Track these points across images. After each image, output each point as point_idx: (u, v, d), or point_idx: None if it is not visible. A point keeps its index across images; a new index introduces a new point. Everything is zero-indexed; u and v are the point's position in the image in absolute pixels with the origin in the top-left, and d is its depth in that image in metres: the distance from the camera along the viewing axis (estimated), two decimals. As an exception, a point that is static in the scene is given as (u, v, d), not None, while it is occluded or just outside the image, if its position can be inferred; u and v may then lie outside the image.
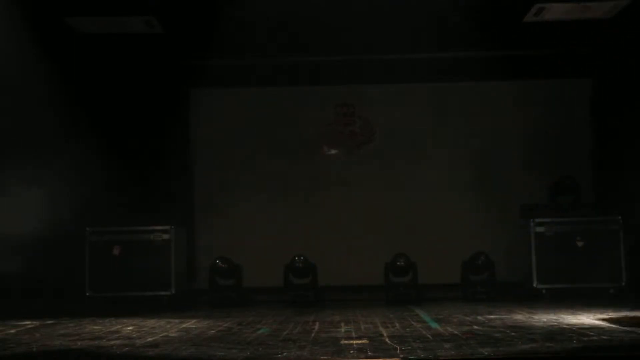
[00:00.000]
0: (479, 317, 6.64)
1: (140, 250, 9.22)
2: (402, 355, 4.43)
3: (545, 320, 6.32)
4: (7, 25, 7.78)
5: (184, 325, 6.44)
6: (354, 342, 5.11)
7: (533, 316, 6.65)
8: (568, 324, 5.96)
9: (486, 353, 4.46)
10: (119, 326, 6.41)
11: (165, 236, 9.27)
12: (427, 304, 8.23)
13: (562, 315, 6.63)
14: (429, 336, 5.33)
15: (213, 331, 5.99)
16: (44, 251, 8.58)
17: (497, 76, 10.29)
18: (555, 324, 6.03)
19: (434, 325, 6.10)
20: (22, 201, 8.06)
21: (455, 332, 5.54)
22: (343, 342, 5.12)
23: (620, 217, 9.04)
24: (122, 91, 10.06)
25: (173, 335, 5.75)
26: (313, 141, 10.59)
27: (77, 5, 8.32)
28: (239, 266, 9.40)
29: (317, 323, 6.45)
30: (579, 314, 6.70)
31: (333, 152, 10.67)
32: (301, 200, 10.41)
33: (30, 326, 6.46)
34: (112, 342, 5.31)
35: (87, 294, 9.08)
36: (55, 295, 8.60)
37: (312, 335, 5.58)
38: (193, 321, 6.80)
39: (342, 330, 5.89)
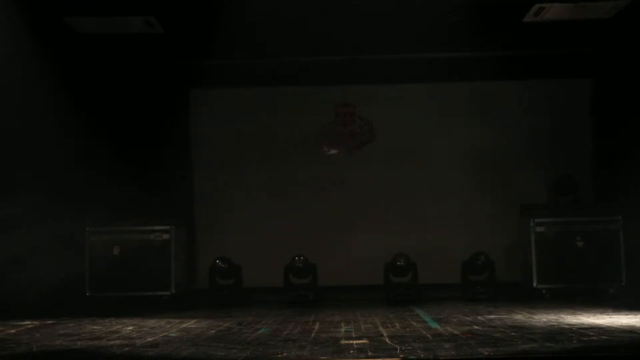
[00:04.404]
0: (479, 317, 6.64)
1: (140, 250, 9.22)
2: (402, 355, 4.43)
3: (545, 320, 6.32)
4: (7, 25, 7.77)
5: (184, 325, 6.44)
6: (354, 342, 5.11)
7: (533, 316, 6.65)
8: (568, 324, 5.96)
9: (486, 353, 4.46)
10: (119, 326, 6.41)
11: (165, 236, 9.27)
12: (427, 304, 8.23)
13: (562, 315, 6.63)
14: (429, 336, 5.33)
15: (213, 331, 5.99)
16: (44, 251, 8.58)
17: (497, 76, 10.29)
18: (555, 324, 6.03)
19: (434, 325, 6.10)
20: (21, 201, 8.05)
21: (455, 332, 5.54)
22: (343, 342, 5.12)
23: (620, 217, 9.03)
24: (122, 91, 10.05)
25: (173, 335, 5.76)
26: (313, 141, 10.59)
27: (76, 5, 8.31)
28: (239, 266, 9.40)
29: (317, 323, 6.45)
30: (579, 314, 6.70)
31: (333, 152, 10.67)
32: (301, 200, 10.41)
33: (30, 326, 6.46)
34: (112, 342, 5.31)
35: (87, 294, 9.08)
36: (55, 295, 8.60)
37: (312, 335, 5.58)
38: (193, 321, 6.80)
39: (342, 330, 5.90)
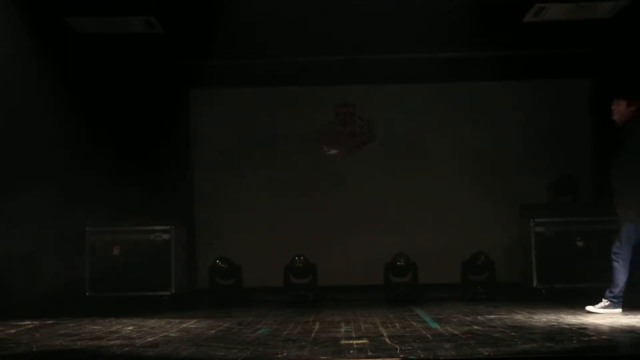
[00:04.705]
0: (479, 317, 6.64)
1: (140, 250, 9.23)
2: (402, 355, 4.43)
3: (545, 320, 6.32)
4: (7, 25, 7.77)
5: (184, 325, 6.44)
6: (354, 342, 5.11)
7: (533, 316, 6.65)
8: (568, 324, 5.96)
9: (486, 353, 4.46)
10: (119, 326, 6.41)
11: (165, 236, 9.27)
12: (427, 304, 8.23)
13: (562, 315, 6.64)
14: (429, 336, 5.33)
15: (213, 331, 6.00)
16: (44, 251, 8.59)
17: (497, 76, 10.29)
18: (555, 324, 6.04)
19: (434, 325, 6.10)
20: (22, 201, 8.06)
21: (455, 332, 5.54)
22: (343, 342, 5.12)
23: (620, 217, 9.02)
24: (122, 91, 10.05)
25: (173, 335, 5.76)
26: (313, 141, 10.59)
27: (76, 5, 8.31)
28: (239, 266, 9.40)
29: (317, 323, 6.45)
30: (579, 314, 6.70)
31: (333, 152, 10.67)
32: (301, 201, 10.40)
33: (30, 326, 6.47)
34: (112, 342, 5.31)
35: (87, 294, 9.08)
36: (55, 295, 8.61)
37: (312, 335, 5.58)
38: (193, 321, 6.80)
39: (342, 330, 5.90)
